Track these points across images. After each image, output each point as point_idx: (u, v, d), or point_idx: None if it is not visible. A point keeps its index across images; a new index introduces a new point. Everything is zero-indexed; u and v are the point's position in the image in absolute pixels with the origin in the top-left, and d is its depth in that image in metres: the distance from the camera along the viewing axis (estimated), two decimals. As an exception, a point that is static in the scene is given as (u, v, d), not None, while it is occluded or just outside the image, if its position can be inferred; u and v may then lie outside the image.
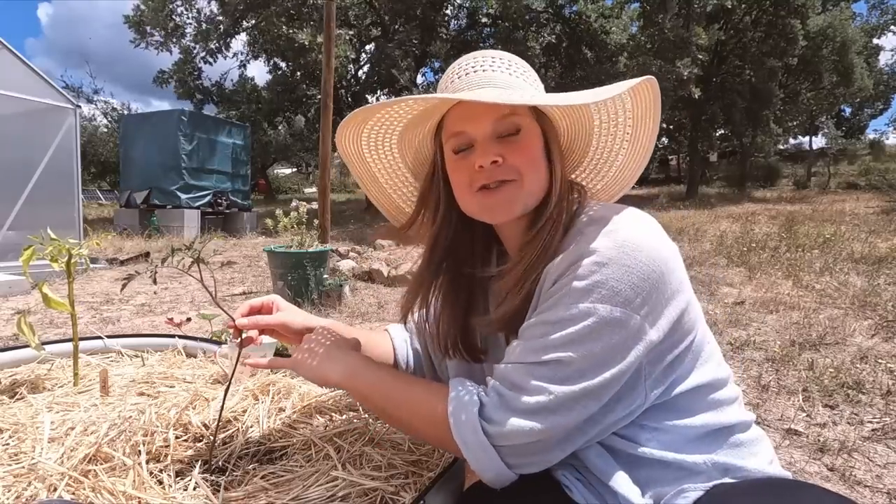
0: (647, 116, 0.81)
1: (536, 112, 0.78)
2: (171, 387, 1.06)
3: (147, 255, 7.40)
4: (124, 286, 0.86)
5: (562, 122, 0.83)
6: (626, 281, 0.65)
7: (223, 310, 0.85)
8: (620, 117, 0.82)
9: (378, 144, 0.89)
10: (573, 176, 0.90)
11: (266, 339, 1.19)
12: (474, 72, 0.78)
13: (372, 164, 0.93)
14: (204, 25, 17.17)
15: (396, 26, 16.89)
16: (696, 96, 15.48)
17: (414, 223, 0.90)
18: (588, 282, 0.65)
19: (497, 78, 0.77)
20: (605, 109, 0.81)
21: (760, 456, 0.75)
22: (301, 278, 4.19)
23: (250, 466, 0.81)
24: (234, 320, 0.86)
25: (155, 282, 0.86)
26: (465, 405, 0.68)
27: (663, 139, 28.88)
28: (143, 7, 16.79)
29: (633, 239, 0.67)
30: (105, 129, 31.25)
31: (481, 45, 17.04)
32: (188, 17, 17.37)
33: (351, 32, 15.55)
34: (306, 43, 14.49)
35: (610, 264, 0.65)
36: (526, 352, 0.68)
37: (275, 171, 37.62)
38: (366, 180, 0.95)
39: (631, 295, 0.64)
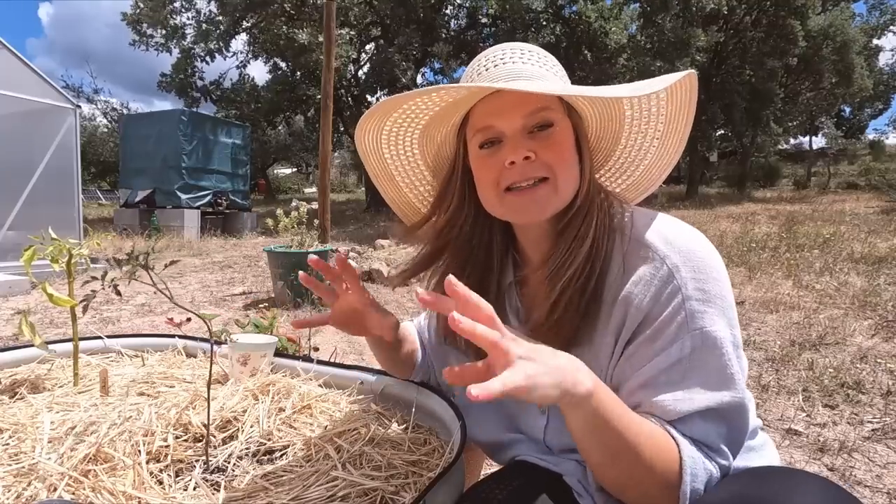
0: (682, 114, 0.77)
1: (567, 107, 0.74)
2: (171, 387, 1.06)
3: (147, 255, 7.39)
4: (86, 308, 0.87)
5: (592, 120, 0.78)
6: (724, 284, 0.68)
7: (193, 311, 0.85)
8: (654, 114, 0.77)
9: (399, 139, 0.84)
10: (596, 176, 0.84)
11: (267, 338, 1.19)
12: (503, 63, 0.74)
13: (390, 160, 0.87)
14: (204, 26, 17.13)
15: (396, 27, 16.89)
16: None
17: (427, 222, 0.85)
18: (701, 301, 0.65)
19: (527, 70, 0.73)
20: (637, 106, 0.76)
21: (767, 459, 0.76)
22: (301, 278, 4.18)
23: (250, 466, 0.81)
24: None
25: (119, 294, 0.86)
26: (699, 481, 0.63)
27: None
28: (141, 5, 16.73)
29: (702, 245, 0.69)
30: (105, 129, 31.28)
31: (481, 45, 17.03)
32: (188, 17, 17.33)
33: (352, 33, 15.54)
34: (306, 43, 14.47)
35: (707, 278, 0.67)
36: (701, 398, 0.64)
37: (275, 171, 37.60)
38: (381, 177, 0.90)
39: (731, 298, 0.68)
